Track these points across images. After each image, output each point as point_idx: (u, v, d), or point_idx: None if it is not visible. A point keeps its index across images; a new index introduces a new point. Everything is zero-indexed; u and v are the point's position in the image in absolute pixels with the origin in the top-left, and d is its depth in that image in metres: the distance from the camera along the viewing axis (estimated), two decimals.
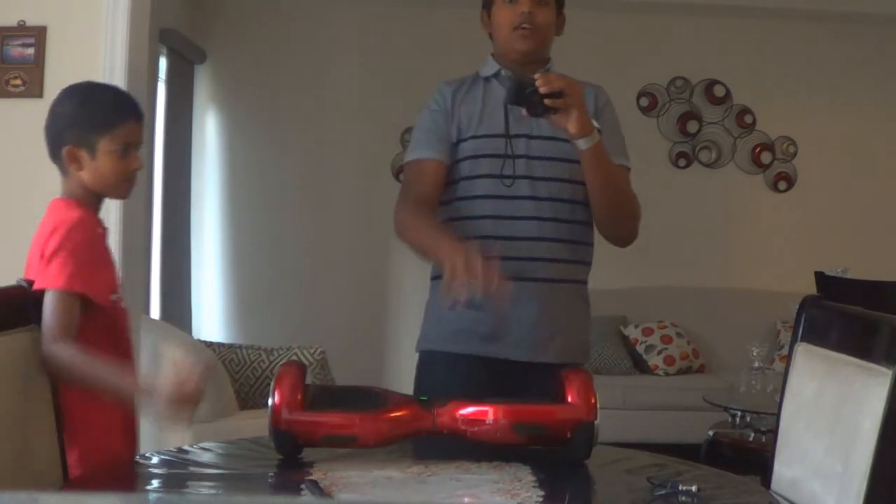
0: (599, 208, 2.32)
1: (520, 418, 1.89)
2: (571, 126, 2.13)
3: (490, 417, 1.88)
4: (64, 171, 2.06)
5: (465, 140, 2.35)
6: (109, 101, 2.10)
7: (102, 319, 2.03)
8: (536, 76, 2.11)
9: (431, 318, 2.42)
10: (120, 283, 2.14)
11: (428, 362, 2.41)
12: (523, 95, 2.11)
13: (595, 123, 2.18)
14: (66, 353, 1.91)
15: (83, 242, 2.00)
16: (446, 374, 2.33)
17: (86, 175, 2.04)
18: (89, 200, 2.08)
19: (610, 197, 2.30)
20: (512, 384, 2.27)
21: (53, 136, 2.05)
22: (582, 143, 2.17)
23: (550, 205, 2.31)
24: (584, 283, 2.43)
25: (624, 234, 2.38)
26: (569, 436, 1.88)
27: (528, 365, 2.29)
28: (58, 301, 1.94)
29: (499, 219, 2.31)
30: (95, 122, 2.03)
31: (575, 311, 2.39)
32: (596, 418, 1.86)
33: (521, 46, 2.34)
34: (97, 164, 2.03)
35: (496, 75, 2.40)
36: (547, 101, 2.09)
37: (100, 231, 2.09)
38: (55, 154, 2.05)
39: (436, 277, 2.39)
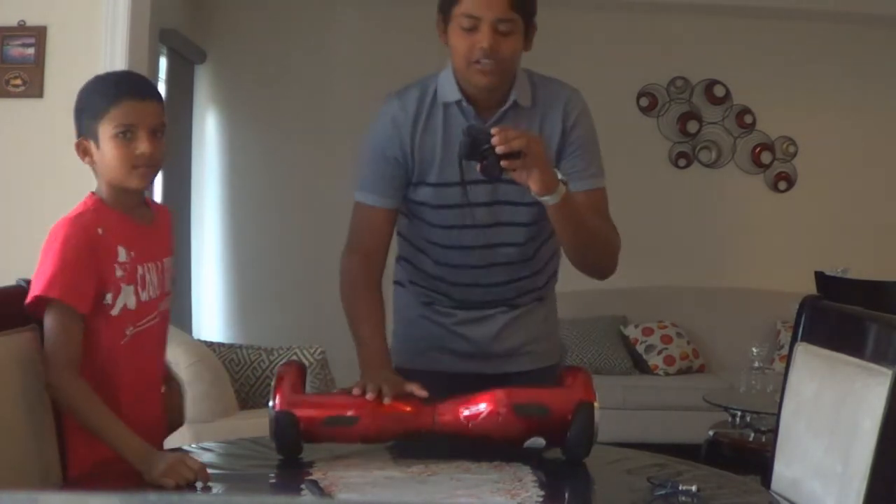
0: (570, 254, 2.19)
1: (520, 399, 1.89)
2: (533, 185, 1.95)
3: (491, 402, 1.88)
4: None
5: (424, 185, 2.19)
6: (109, 82, 1.96)
7: (106, 335, 1.89)
8: (493, 131, 1.90)
9: (400, 332, 2.40)
10: (154, 298, 1.97)
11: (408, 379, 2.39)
12: (478, 153, 1.92)
13: (559, 175, 2.01)
14: (63, 390, 1.81)
15: (70, 243, 1.84)
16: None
17: (98, 167, 1.92)
18: (114, 197, 1.93)
19: (582, 245, 2.14)
20: None
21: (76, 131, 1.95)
22: (547, 200, 1.99)
23: (508, 251, 2.22)
24: (551, 284, 2.38)
25: (600, 273, 2.23)
26: (570, 418, 1.87)
27: (503, 376, 2.22)
28: (49, 317, 1.82)
29: (450, 248, 2.23)
30: (93, 107, 1.91)
31: (538, 318, 2.34)
32: (595, 399, 1.87)
33: (481, 82, 2.09)
34: (102, 153, 1.90)
35: (458, 103, 2.15)
36: (503, 164, 1.91)
37: (99, 232, 1.88)
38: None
39: (397, 282, 2.40)
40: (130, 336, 1.91)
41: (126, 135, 1.88)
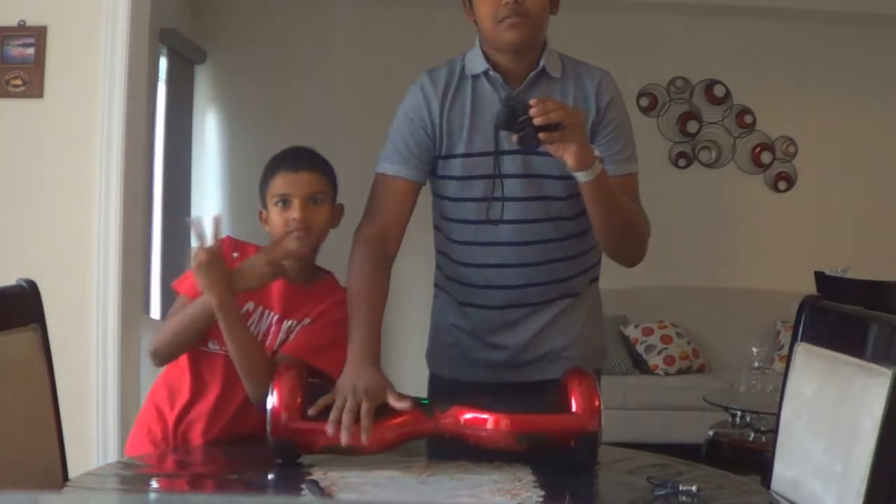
0: (602, 238, 2.13)
1: (522, 428, 1.88)
2: (569, 159, 1.90)
3: (492, 425, 1.87)
4: None
5: (452, 157, 2.16)
6: (274, 158, 2.18)
7: None
8: (532, 102, 1.86)
9: (433, 338, 2.36)
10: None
11: (437, 387, 2.35)
12: (515, 123, 1.87)
13: (596, 152, 1.98)
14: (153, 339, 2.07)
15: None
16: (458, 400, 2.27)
17: (270, 233, 2.14)
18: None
19: (614, 228, 2.09)
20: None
21: None
22: (582, 177, 1.94)
23: (541, 227, 2.16)
24: (592, 283, 2.33)
25: (625, 258, 2.20)
26: (572, 444, 1.87)
27: (538, 384, 2.20)
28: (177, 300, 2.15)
29: (487, 245, 2.18)
30: (263, 180, 2.15)
31: (579, 321, 2.28)
32: (599, 427, 1.85)
33: (511, 37, 2.08)
34: (270, 220, 2.14)
35: (486, 73, 2.16)
36: (541, 135, 1.87)
37: (234, 255, 2.12)
38: None
39: (435, 285, 2.37)
40: (213, 352, 2.08)
41: (283, 202, 2.10)
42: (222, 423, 2.08)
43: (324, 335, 2.07)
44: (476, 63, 2.18)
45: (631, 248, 2.18)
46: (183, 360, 2.09)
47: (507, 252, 2.18)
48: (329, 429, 1.81)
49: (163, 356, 2.08)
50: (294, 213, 2.09)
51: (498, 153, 2.11)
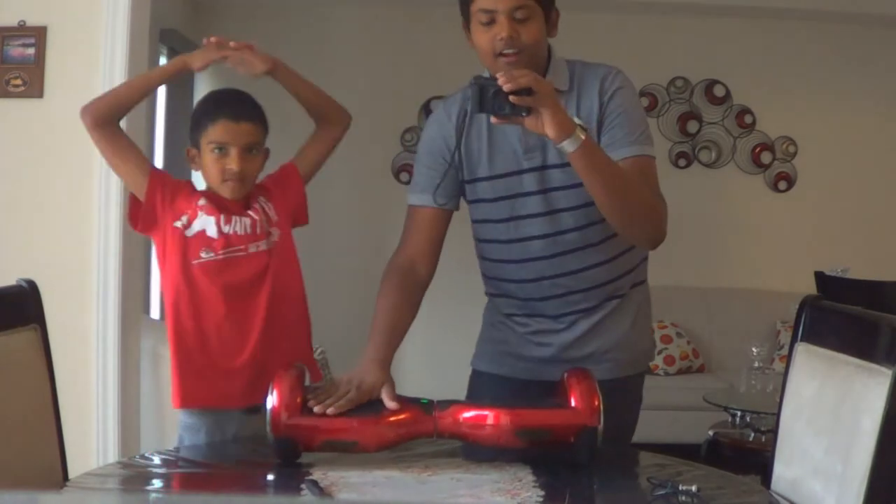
0: (605, 213, 2.05)
1: (522, 423, 1.88)
2: (548, 128, 1.88)
3: (492, 422, 1.87)
4: None
5: (479, 180, 2.21)
6: (212, 100, 2.25)
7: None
8: (499, 74, 1.88)
9: (483, 336, 2.40)
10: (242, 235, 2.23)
11: (477, 382, 2.38)
12: (487, 99, 1.89)
13: (577, 120, 1.95)
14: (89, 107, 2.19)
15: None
16: (495, 396, 2.27)
17: (202, 174, 2.23)
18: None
19: (615, 198, 2.02)
20: None
21: None
22: (567, 146, 1.91)
23: (576, 235, 2.18)
24: (637, 285, 2.34)
25: (642, 237, 2.15)
26: (572, 440, 1.87)
27: None
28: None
29: (521, 262, 2.22)
30: (196, 121, 2.21)
31: (625, 324, 2.28)
32: (599, 423, 1.86)
33: None
34: (203, 163, 2.21)
35: None
36: (512, 99, 1.87)
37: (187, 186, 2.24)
38: None
39: (489, 294, 2.38)
40: (209, 260, 2.19)
41: (221, 150, 2.18)
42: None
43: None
44: None
45: (642, 224, 2.10)
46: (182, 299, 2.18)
47: (542, 266, 2.21)
48: (311, 403, 1.86)
49: (98, 109, 2.19)
50: (232, 163, 2.18)
51: (518, 172, 2.15)
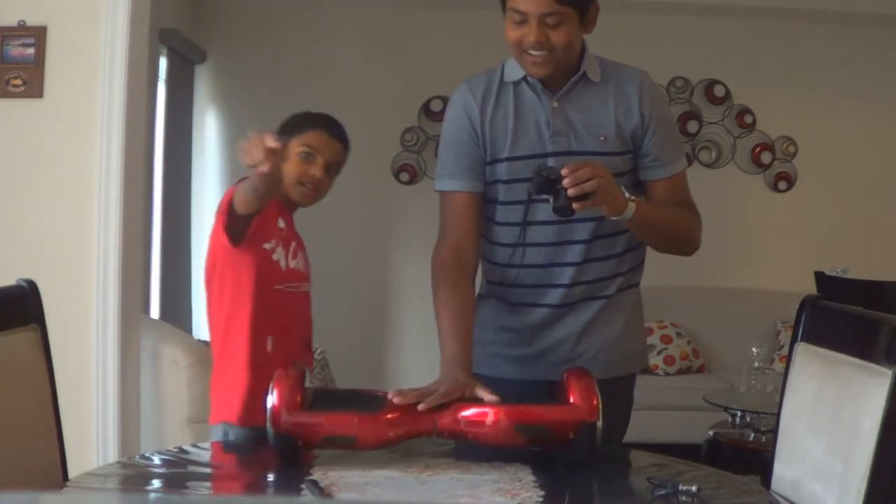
0: (652, 247, 2.31)
1: (521, 419, 1.88)
2: (605, 213, 2.06)
3: (491, 419, 1.87)
4: None
5: (499, 161, 2.20)
6: (314, 113, 2.42)
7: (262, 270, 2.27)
8: (564, 172, 1.97)
9: (475, 338, 2.38)
10: (301, 271, 2.35)
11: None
12: (552, 190, 2.00)
13: (627, 194, 2.06)
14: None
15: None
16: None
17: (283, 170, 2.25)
18: (281, 197, 2.30)
19: (662, 241, 2.27)
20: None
21: None
22: (623, 216, 2.07)
23: (587, 226, 2.20)
24: (631, 287, 2.36)
25: (679, 253, 2.34)
26: (571, 437, 1.87)
27: None
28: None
29: (532, 246, 2.21)
30: (294, 124, 2.37)
31: (616, 325, 2.30)
32: (598, 419, 1.86)
33: (533, 72, 2.16)
34: (287, 157, 2.27)
35: (525, 80, 2.20)
36: (575, 206, 1.99)
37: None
38: None
39: (479, 295, 2.37)
40: (284, 288, 2.30)
41: (308, 156, 2.31)
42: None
43: None
44: (515, 71, 2.22)
45: (683, 247, 2.31)
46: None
47: (553, 252, 2.22)
48: (397, 400, 1.88)
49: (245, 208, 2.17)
50: (316, 171, 2.31)
51: (541, 155, 2.16)
